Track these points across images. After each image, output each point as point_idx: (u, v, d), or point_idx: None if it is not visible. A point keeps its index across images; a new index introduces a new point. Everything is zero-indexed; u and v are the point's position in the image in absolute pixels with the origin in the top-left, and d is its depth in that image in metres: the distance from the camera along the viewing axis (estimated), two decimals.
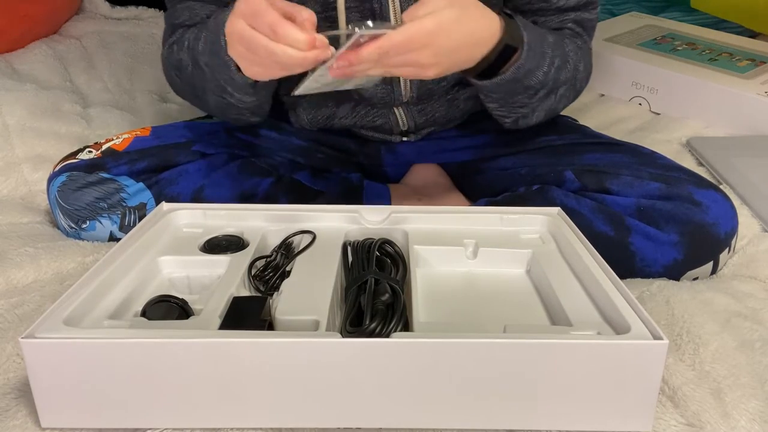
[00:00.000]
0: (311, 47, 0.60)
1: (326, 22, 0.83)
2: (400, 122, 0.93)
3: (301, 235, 0.72)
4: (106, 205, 0.83)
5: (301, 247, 0.69)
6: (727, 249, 0.80)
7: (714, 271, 0.81)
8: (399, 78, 0.85)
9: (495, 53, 0.71)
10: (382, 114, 0.91)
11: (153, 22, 1.62)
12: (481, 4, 0.69)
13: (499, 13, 0.72)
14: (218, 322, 0.56)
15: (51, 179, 0.85)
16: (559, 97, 0.84)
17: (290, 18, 0.62)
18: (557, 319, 0.60)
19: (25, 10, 1.39)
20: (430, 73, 0.66)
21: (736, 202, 0.91)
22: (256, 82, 0.74)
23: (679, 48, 1.40)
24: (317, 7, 0.82)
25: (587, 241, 0.68)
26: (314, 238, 0.71)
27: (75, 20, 1.57)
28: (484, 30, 0.69)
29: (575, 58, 0.83)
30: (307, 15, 0.62)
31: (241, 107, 0.80)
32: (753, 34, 1.56)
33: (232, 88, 0.76)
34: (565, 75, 0.81)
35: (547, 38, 0.78)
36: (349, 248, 0.69)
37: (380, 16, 0.82)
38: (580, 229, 0.71)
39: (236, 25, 0.63)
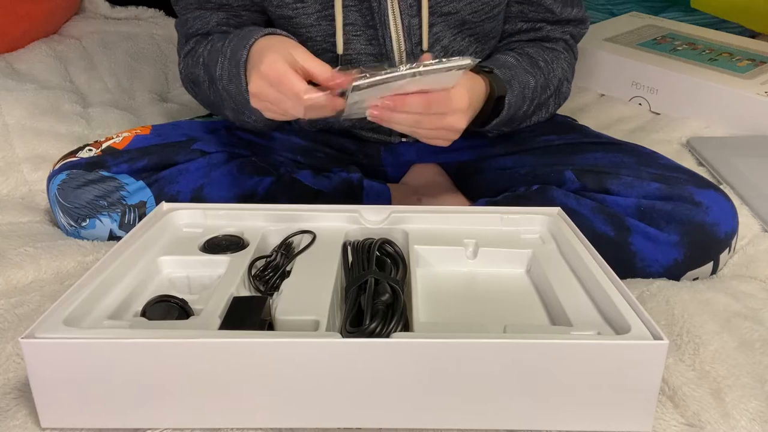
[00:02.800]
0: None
1: (325, 20, 0.83)
2: None
3: (301, 235, 0.72)
4: (105, 203, 0.83)
5: (301, 247, 0.69)
6: (727, 249, 0.80)
7: (714, 271, 0.81)
8: None
9: (489, 107, 0.81)
10: None
11: (153, 22, 1.62)
12: (471, 73, 0.77)
13: (479, 71, 0.80)
14: (218, 322, 0.56)
15: (51, 177, 0.85)
16: (541, 112, 0.95)
17: (309, 73, 0.68)
18: (557, 319, 0.60)
19: (25, 10, 1.39)
20: (455, 137, 0.73)
21: (736, 202, 0.91)
22: None
23: (679, 48, 1.40)
24: (317, 5, 0.82)
25: (587, 241, 0.68)
26: (314, 238, 0.71)
27: (75, 20, 1.57)
28: (482, 92, 0.79)
29: (561, 76, 0.92)
30: (323, 78, 0.68)
31: (258, 125, 0.86)
32: (753, 34, 1.56)
33: (249, 113, 0.81)
34: (544, 96, 0.91)
35: (529, 82, 0.86)
36: (349, 248, 0.69)
37: (379, 15, 0.82)
38: (580, 229, 0.71)
39: (261, 88, 0.69)
